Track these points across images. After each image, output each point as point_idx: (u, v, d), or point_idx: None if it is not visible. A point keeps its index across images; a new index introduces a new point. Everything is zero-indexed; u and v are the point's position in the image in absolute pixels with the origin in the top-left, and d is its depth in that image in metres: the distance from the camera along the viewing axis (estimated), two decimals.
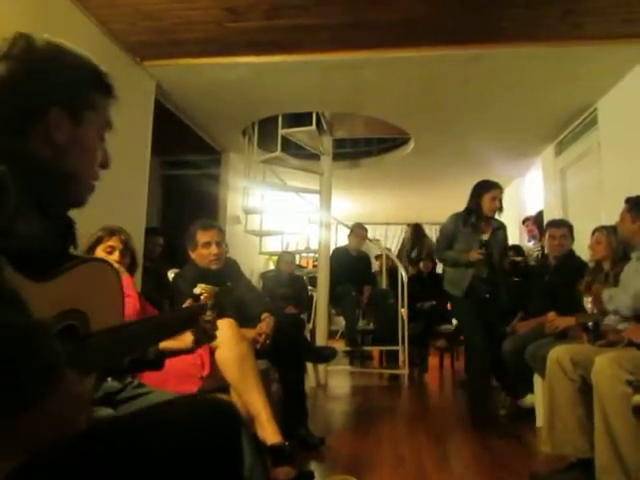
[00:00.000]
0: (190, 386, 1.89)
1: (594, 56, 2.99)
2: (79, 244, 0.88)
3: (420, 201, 7.58)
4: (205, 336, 1.17)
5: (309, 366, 4.04)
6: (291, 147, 4.94)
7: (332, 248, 4.90)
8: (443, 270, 3.52)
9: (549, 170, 4.75)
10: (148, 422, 0.82)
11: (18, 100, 0.77)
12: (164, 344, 1.13)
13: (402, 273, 4.67)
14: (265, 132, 4.64)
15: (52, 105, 0.79)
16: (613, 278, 2.50)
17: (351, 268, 4.76)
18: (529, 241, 5.03)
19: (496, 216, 3.29)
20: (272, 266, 6.05)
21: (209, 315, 1.18)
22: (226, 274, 2.62)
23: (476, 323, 3.12)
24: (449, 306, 5.39)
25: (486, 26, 2.75)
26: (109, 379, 1.18)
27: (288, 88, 3.57)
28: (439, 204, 7.61)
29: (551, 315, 2.82)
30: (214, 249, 2.50)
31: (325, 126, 4.62)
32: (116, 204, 2.89)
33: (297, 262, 6.05)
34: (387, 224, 8.89)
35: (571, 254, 3.22)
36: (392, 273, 5.26)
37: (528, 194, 5.77)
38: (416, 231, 6.37)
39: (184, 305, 1.23)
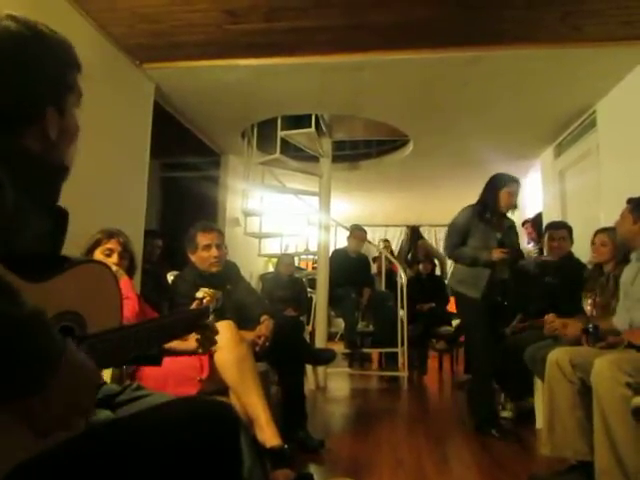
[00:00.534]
0: (189, 389, 1.88)
1: (593, 58, 2.99)
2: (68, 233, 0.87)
3: (419, 203, 7.59)
4: (208, 341, 1.17)
5: (308, 368, 4.03)
6: (290, 149, 4.94)
7: (331, 250, 4.89)
8: (453, 268, 3.26)
9: (548, 172, 4.75)
10: (147, 423, 0.82)
11: (12, 102, 0.75)
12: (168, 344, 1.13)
13: (401, 275, 4.67)
14: (264, 134, 4.64)
15: (47, 105, 0.78)
16: (613, 281, 2.50)
17: (350, 270, 4.76)
18: (528, 243, 5.03)
19: (509, 214, 3.14)
20: (271, 268, 6.05)
21: (211, 319, 1.19)
22: (226, 276, 2.62)
23: (486, 328, 2.97)
24: (449, 308, 5.42)
25: (485, 28, 2.76)
26: (107, 382, 1.18)
27: (287, 90, 3.57)
28: (438, 206, 7.62)
29: (550, 317, 2.81)
30: (214, 251, 2.50)
31: (324, 128, 4.62)
32: (115, 206, 2.89)
33: (296, 264, 6.05)
34: (386, 226, 8.89)
35: (570, 256, 3.22)
36: (391, 275, 5.25)
37: (527, 196, 5.77)
38: (412, 233, 6.39)
39: (191, 307, 1.23)
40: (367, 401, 4.10)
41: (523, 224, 5.32)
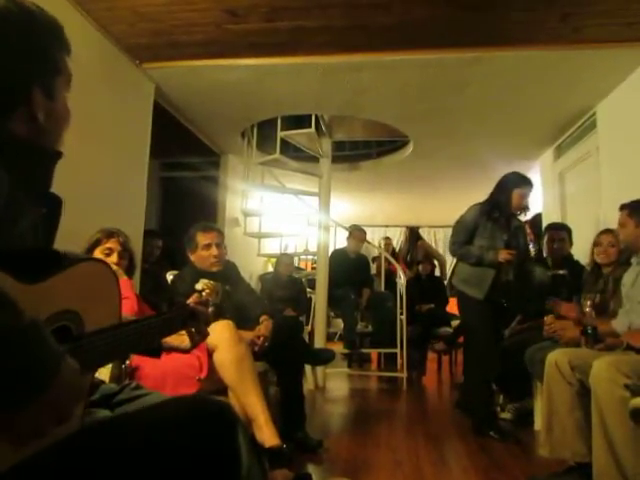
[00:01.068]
0: (188, 388, 1.88)
1: (593, 60, 3.00)
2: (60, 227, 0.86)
3: (419, 204, 7.60)
4: (199, 336, 1.16)
5: (307, 368, 4.04)
6: (290, 149, 4.94)
7: (331, 250, 4.90)
8: (456, 266, 3.22)
9: (548, 174, 4.76)
10: (143, 422, 0.82)
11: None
12: (167, 339, 1.13)
13: (401, 275, 4.67)
14: (264, 134, 4.64)
15: (33, 85, 0.75)
16: (612, 282, 2.51)
17: (350, 270, 4.76)
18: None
19: (521, 216, 3.12)
20: (271, 268, 6.05)
21: (208, 313, 1.19)
22: (225, 276, 2.62)
23: (489, 329, 2.95)
24: (448, 308, 5.43)
25: (485, 29, 2.76)
26: (106, 381, 1.18)
27: (287, 90, 3.57)
28: (438, 207, 7.63)
29: (549, 318, 2.81)
30: (214, 251, 2.50)
31: (324, 128, 4.63)
32: (115, 206, 2.89)
33: (296, 264, 6.05)
34: (386, 226, 8.88)
35: (569, 257, 3.23)
36: (391, 275, 5.25)
37: None
38: (411, 234, 6.40)
39: (189, 301, 1.23)
40: (366, 401, 4.10)
41: None
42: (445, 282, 6.05)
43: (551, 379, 2.06)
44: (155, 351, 1.15)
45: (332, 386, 4.54)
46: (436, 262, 6.28)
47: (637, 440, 1.63)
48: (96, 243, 2.04)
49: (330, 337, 5.13)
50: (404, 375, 4.41)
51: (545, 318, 2.83)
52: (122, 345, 0.86)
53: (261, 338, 2.40)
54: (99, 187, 2.68)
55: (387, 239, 6.99)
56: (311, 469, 2.23)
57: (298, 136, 4.47)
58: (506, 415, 3.21)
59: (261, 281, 5.07)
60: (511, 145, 4.66)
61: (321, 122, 4.52)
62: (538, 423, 2.76)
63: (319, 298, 4.53)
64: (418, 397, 4.30)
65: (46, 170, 0.79)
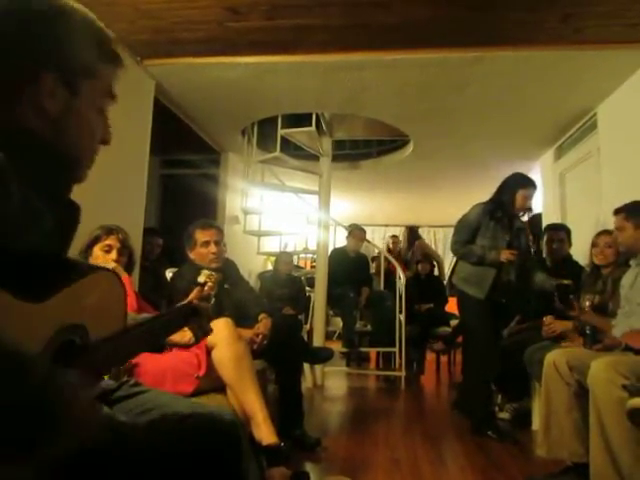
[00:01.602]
0: (186, 386, 1.88)
1: (594, 61, 2.99)
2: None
3: (419, 203, 7.60)
4: (201, 330, 1.16)
5: (306, 367, 4.04)
6: (290, 148, 4.94)
7: (330, 249, 4.90)
8: (456, 265, 3.21)
9: (548, 174, 4.76)
10: (149, 439, 0.82)
11: (7, 61, 0.67)
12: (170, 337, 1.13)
13: (400, 275, 4.67)
14: (264, 132, 4.63)
15: (45, 69, 0.69)
16: (611, 283, 2.51)
17: (349, 269, 4.76)
18: None
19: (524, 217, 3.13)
20: (270, 266, 6.05)
21: (210, 310, 1.18)
22: (224, 274, 2.62)
23: (489, 329, 2.96)
24: (447, 308, 5.43)
25: (486, 29, 2.75)
26: (105, 377, 1.18)
27: (288, 88, 3.57)
28: (438, 207, 7.63)
29: (548, 319, 2.82)
30: (213, 248, 2.50)
31: (324, 127, 4.62)
32: (114, 203, 2.89)
33: (295, 263, 6.05)
34: (386, 226, 8.89)
35: (568, 258, 3.23)
36: (390, 275, 5.26)
37: None
38: (410, 234, 6.41)
39: (191, 295, 1.22)
40: (364, 400, 4.10)
41: None
42: (444, 282, 6.06)
43: (549, 379, 2.06)
44: (159, 348, 1.15)
45: (330, 385, 4.54)
46: (435, 262, 6.28)
47: (634, 440, 1.63)
48: (95, 240, 2.03)
49: (329, 336, 5.14)
50: (402, 374, 4.41)
51: (544, 318, 2.84)
52: (126, 350, 0.85)
53: (260, 336, 2.40)
54: (99, 184, 2.66)
55: (394, 237, 6.98)
56: (309, 467, 2.23)
57: (298, 134, 4.47)
58: (504, 415, 3.21)
59: (260, 279, 5.07)
60: (511, 145, 4.66)
61: (322, 120, 4.52)
62: (536, 423, 2.76)
63: (318, 297, 4.53)
64: (416, 396, 4.31)
65: (61, 173, 0.74)
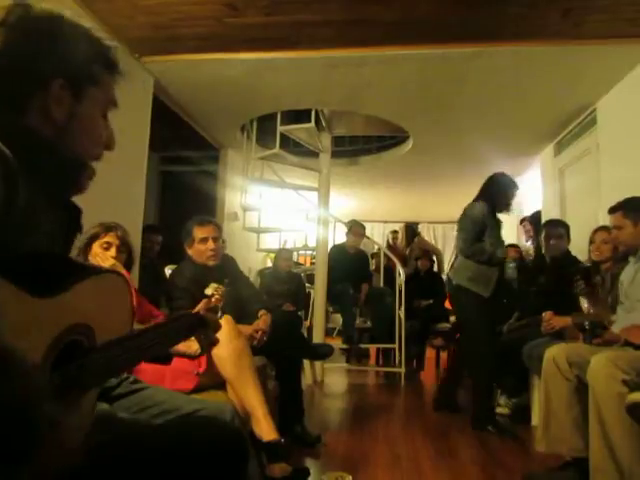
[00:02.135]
0: (186, 383, 1.88)
1: (594, 56, 2.99)
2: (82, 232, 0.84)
3: (419, 200, 7.59)
4: (208, 340, 1.14)
5: (306, 363, 4.05)
6: (290, 144, 4.93)
7: (330, 246, 4.90)
8: (454, 263, 3.22)
9: (548, 170, 4.75)
10: (153, 446, 0.82)
11: (16, 72, 0.70)
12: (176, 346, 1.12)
13: (400, 271, 4.67)
14: (264, 129, 4.63)
15: (53, 77, 0.73)
16: (610, 279, 2.51)
17: (349, 266, 4.76)
18: (527, 241, 5.04)
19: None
20: (270, 263, 6.05)
21: (218, 320, 1.17)
22: (223, 270, 2.62)
23: (490, 325, 3.01)
24: (447, 304, 5.43)
25: (486, 24, 2.75)
26: None
27: (287, 85, 3.56)
28: (437, 203, 7.63)
29: (548, 314, 2.82)
30: (211, 244, 2.49)
31: (324, 123, 4.61)
32: (114, 200, 2.88)
33: (295, 259, 6.05)
34: (385, 222, 8.89)
35: (567, 254, 3.22)
36: (390, 271, 5.26)
37: (526, 194, 5.77)
38: (408, 231, 6.42)
39: (198, 307, 1.20)
40: (364, 396, 4.11)
41: (521, 222, 5.33)
42: (444, 277, 6.06)
43: (549, 375, 2.07)
44: (165, 358, 1.14)
45: (330, 381, 4.55)
46: (434, 257, 6.27)
47: (634, 435, 1.64)
48: (94, 237, 2.03)
49: (329, 332, 5.14)
50: (402, 370, 4.42)
51: (543, 314, 2.84)
52: (132, 355, 0.84)
53: (260, 332, 2.40)
54: (98, 181, 2.66)
55: (395, 232, 6.97)
56: (309, 463, 2.23)
57: (298, 131, 4.46)
58: (504, 410, 3.22)
59: (260, 276, 5.07)
60: (511, 141, 4.65)
61: (321, 117, 4.51)
62: (535, 418, 2.77)
63: (318, 293, 4.53)
64: (416, 392, 4.31)
65: (68, 176, 0.76)
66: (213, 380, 1.97)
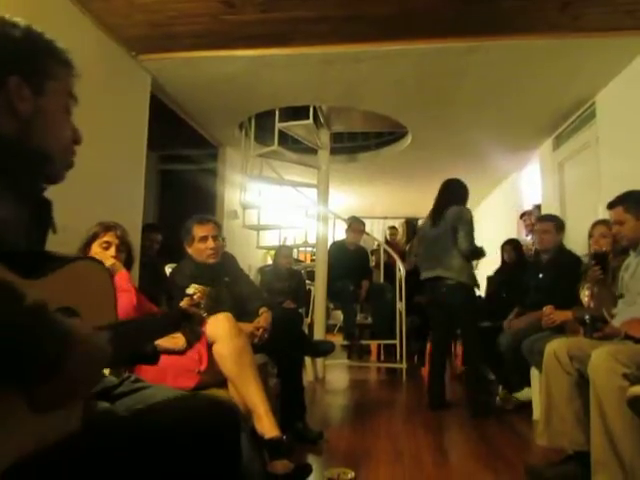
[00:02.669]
0: (188, 381, 1.89)
1: (593, 49, 2.98)
2: (57, 227, 0.86)
3: (418, 195, 7.57)
4: (194, 336, 1.17)
5: (307, 360, 4.05)
6: (288, 141, 4.92)
7: (330, 242, 4.90)
8: (460, 264, 3.30)
9: (547, 164, 4.75)
10: (147, 421, 0.83)
11: None
12: (158, 341, 1.13)
13: (400, 267, 4.67)
14: (262, 126, 4.62)
15: (10, 74, 0.77)
16: (610, 273, 2.50)
17: (349, 262, 4.76)
18: (527, 235, 5.03)
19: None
20: (270, 260, 6.05)
21: (201, 313, 1.19)
22: (223, 269, 2.62)
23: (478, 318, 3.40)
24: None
25: (484, 18, 2.73)
26: (106, 374, 1.18)
27: (285, 81, 3.55)
28: None
29: (548, 309, 2.82)
30: (211, 243, 2.49)
31: (322, 120, 4.61)
32: (113, 199, 2.89)
33: (295, 256, 6.05)
34: (385, 218, 8.88)
35: (561, 249, 3.22)
36: (390, 267, 5.26)
37: (525, 188, 5.77)
38: (408, 227, 6.42)
39: (181, 304, 1.24)
40: (365, 392, 4.12)
41: (521, 216, 5.32)
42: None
43: (550, 369, 2.07)
44: (152, 357, 1.15)
45: (332, 377, 4.56)
46: None
47: (635, 429, 1.64)
48: (94, 237, 2.03)
49: (330, 329, 5.15)
50: (403, 366, 4.43)
51: (544, 309, 2.85)
52: (124, 343, 0.86)
53: (260, 330, 2.40)
54: (96, 180, 2.67)
55: (392, 228, 6.97)
56: (311, 460, 2.24)
57: (296, 128, 4.45)
58: (505, 405, 3.22)
59: (260, 273, 5.06)
60: (510, 135, 4.64)
61: (319, 113, 4.50)
62: (536, 413, 2.77)
63: (318, 290, 4.53)
64: (417, 388, 4.32)
65: (34, 170, 0.80)
66: (214, 378, 1.97)
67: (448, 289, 3.24)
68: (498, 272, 4.55)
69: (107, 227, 2.05)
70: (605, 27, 2.77)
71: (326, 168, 4.73)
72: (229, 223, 5.03)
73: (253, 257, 5.83)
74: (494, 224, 6.62)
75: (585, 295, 2.42)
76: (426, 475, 2.09)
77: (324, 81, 3.54)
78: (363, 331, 5.12)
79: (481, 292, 4.59)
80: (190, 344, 1.17)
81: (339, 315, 5.09)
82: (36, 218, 0.79)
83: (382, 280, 5.36)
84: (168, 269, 3.20)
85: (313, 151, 4.87)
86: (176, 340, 1.19)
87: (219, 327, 2.00)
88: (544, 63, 3.16)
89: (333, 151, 5.01)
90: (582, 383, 1.93)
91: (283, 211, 6.32)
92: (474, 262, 3.55)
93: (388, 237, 6.52)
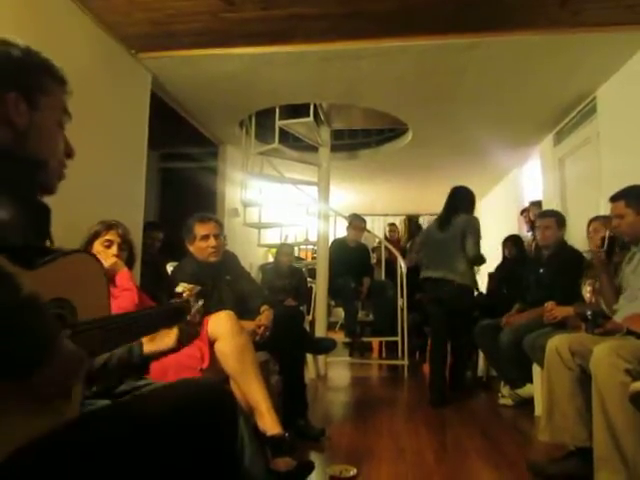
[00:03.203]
0: None
1: (593, 44, 2.97)
2: (53, 235, 0.89)
3: (419, 192, 7.57)
4: (187, 335, 1.16)
5: (309, 357, 4.05)
6: (289, 139, 4.92)
7: (331, 240, 4.89)
8: (464, 268, 3.52)
9: (548, 160, 4.74)
10: (145, 406, 0.85)
11: None
12: (148, 347, 1.12)
13: (401, 264, 4.67)
14: (262, 124, 4.61)
15: (9, 90, 0.83)
16: (613, 269, 2.49)
17: (350, 260, 4.76)
18: (528, 231, 5.03)
19: None
20: (271, 258, 6.05)
21: (193, 311, 1.19)
22: (225, 267, 2.62)
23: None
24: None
25: (484, 14, 2.72)
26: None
27: (285, 79, 3.55)
28: (438, 195, 7.58)
29: (550, 305, 2.82)
30: (212, 241, 2.50)
31: (323, 117, 4.60)
32: (114, 197, 2.88)
33: (296, 254, 6.05)
34: (386, 215, 8.88)
35: (562, 244, 3.21)
36: (391, 264, 5.26)
37: (526, 184, 5.77)
38: (409, 223, 6.42)
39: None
40: (367, 390, 4.12)
41: (522, 212, 5.32)
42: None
43: (551, 365, 2.07)
44: (141, 367, 1.14)
45: (333, 375, 4.57)
46: None
47: (637, 424, 1.64)
48: (95, 235, 2.03)
49: (331, 326, 5.15)
50: (405, 363, 4.43)
51: (546, 304, 2.85)
52: (112, 335, 0.86)
53: (262, 328, 2.40)
54: (97, 179, 2.67)
55: (392, 225, 6.96)
56: (313, 457, 2.24)
57: (297, 125, 4.44)
58: (506, 401, 3.23)
59: (262, 271, 5.07)
60: (511, 131, 4.63)
61: (320, 111, 4.49)
62: (538, 409, 2.78)
63: (320, 287, 4.53)
64: (419, 385, 4.32)
65: (28, 177, 0.84)
66: (216, 376, 1.98)
67: (451, 289, 3.42)
68: (499, 268, 4.56)
69: (109, 225, 2.06)
70: (605, 22, 2.76)
71: (327, 165, 4.73)
72: (230, 221, 5.03)
73: (254, 255, 5.83)
74: (495, 220, 6.61)
75: (587, 291, 2.42)
76: (428, 472, 2.09)
77: (324, 78, 3.53)
78: (364, 328, 5.12)
79: (482, 289, 4.60)
80: (184, 342, 1.16)
81: (340, 312, 5.09)
82: (34, 224, 0.82)
83: (383, 277, 5.35)
84: (169, 267, 3.21)
85: (314, 149, 4.86)
86: (166, 340, 1.17)
87: (221, 325, 2.01)
88: (544, 59, 3.15)
89: (334, 148, 5.00)
90: (584, 379, 1.93)
91: (284, 209, 6.32)
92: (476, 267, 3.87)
93: (387, 234, 6.51)
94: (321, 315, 4.48)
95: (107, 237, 2.04)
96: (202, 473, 0.81)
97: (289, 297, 4.41)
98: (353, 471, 2.01)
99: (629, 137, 3.19)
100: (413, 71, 3.36)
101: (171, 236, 3.85)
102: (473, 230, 3.48)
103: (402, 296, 4.56)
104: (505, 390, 3.29)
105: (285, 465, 1.84)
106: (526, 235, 4.99)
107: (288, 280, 4.65)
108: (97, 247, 2.02)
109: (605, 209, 3.04)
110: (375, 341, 5.43)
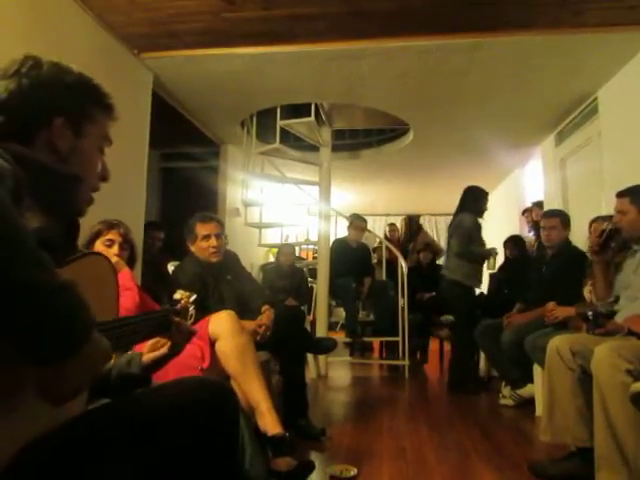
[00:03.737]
0: None
1: (595, 44, 2.97)
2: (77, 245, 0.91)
3: (420, 192, 7.57)
4: (175, 345, 1.13)
5: (309, 357, 4.06)
6: (290, 139, 4.92)
7: (332, 240, 4.89)
8: (456, 264, 3.80)
9: (549, 160, 4.73)
10: (146, 403, 0.86)
11: (25, 110, 0.83)
12: (147, 356, 1.11)
13: (402, 264, 4.67)
14: (263, 124, 4.61)
15: (55, 115, 0.84)
16: (613, 268, 2.49)
17: (351, 260, 4.76)
18: (529, 231, 5.03)
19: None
20: (272, 258, 6.06)
21: (186, 317, 1.19)
22: (226, 267, 2.62)
23: (472, 311, 3.86)
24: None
25: (485, 14, 2.73)
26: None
27: (286, 79, 3.55)
28: (439, 195, 7.60)
29: (551, 305, 2.82)
30: (213, 241, 2.50)
31: (324, 117, 4.60)
32: (115, 197, 2.86)
33: (297, 254, 6.05)
34: (387, 215, 8.88)
35: (567, 244, 3.21)
36: (392, 264, 5.25)
37: (528, 184, 5.76)
38: (410, 224, 6.43)
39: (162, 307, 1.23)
40: (368, 389, 4.12)
41: (523, 212, 5.32)
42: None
43: (552, 365, 2.06)
44: (142, 379, 1.12)
45: (334, 375, 4.57)
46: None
47: (638, 424, 1.64)
48: (97, 234, 2.03)
49: (332, 326, 5.16)
50: (406, 363, 4.43)
51: (547, 305, 2.84)
52: (117, 337, 0.87)
53: (263, 328, 2.40)
54: None
55: (392, 225, 6.96)
56: (314, 457, 2.24)
57: (298, 125, 4.45)
58: (507, 401, 3.23)
59: (262, 271, 5.07)
60: (512, 131, 4.63)
61: (321, 111, 4.49)
62: (539, 409, 2.77)
63: (320, 287, 4.53)
64: (420, 385, 4.33)
65: (65, 194, 0.85)
66: (217, 375, 1.97)
67: (443, 284, 3.94)
68: (500, 269, 4.55)
69: (110, 225, 2.06)
70: (607, 22, 2.76)
71: (328, 165, 4.73)
72: (231, 221, 5.03)
73: (255, 255, 5.84)
74: (497, 220, 6.61)
75: (588, 291, 2.41)
76: (429, 472, 2.09)
77: (325, 78, 3.53)
78: (365, 328, 5.12)
79: (483, 289, 4.60)
80: (173, 351, 1.12)
81: (341, 312, 5.09)
82: (64, 238, 0.83)
83: (384, 277, 5.35)
84: (170, 267, 3.21)
85: (315, 148, 4.87)
86: (159, 347, 1.14)
87: (222, 325, 2.01)
88: (546, 59, 3.15)
89: (335, 148, 5.01)
90: (585, 379, 1.93)
91: (285, 209, 6.32)
92: (486, 262, 3.93)
93: (387, 234, 6.52)
94: (322, 315, 4.48)
95: (108, 236, 2.04)
96: (203, 472, 0.82)
97: (290, 297, 4.41)
98: (354, 471, 2.01)
99: (630, 137, 3.19)
100: (414, 71, 3.36)
101: (172, 236, 3.85)
102: (461, 228, 3.76)
103: (403, 296, 4.56)
104: (506, 390, 3.29)
105: (286, 465, 1.84)
106: (528, 235, 4.99)
107: (289, 280, 4.65)
108: (98, 246, 2.02)
109: (607, 209, 3.04)
110: (376, 341, 5.42)
